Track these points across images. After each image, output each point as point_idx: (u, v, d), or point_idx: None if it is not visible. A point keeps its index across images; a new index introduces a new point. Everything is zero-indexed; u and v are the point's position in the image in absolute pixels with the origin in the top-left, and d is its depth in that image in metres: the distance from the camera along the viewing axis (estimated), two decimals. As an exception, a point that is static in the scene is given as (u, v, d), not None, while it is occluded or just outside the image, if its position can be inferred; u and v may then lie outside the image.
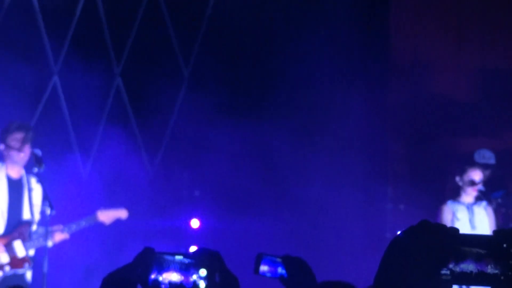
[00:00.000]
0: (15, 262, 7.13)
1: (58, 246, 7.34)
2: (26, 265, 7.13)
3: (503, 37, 10.19)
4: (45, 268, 6.97)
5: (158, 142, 9.68)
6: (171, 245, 9.11)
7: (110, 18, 9.35)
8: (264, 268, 2.88)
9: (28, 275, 7.24)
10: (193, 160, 9.70)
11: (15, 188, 7.22)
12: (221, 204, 9.64)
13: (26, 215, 7.24)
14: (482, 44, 10.22)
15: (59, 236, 7.26)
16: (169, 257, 2.50)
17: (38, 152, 7.17)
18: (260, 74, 10.02)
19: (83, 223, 7.40)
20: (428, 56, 10.25)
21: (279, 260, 2.87)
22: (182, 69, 9.86)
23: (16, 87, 8.70)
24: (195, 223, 9.63)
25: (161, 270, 2.49)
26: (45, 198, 7.12)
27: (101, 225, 7.58)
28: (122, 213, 7.69)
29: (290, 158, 9.73)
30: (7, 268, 7.10)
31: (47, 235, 7.03)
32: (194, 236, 9.60)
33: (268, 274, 2.88)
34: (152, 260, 2.49)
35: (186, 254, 2.51)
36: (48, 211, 7.00)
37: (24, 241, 7.13)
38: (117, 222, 7.68)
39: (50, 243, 7.22)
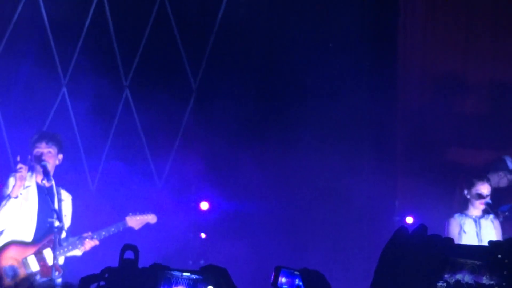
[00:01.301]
0: (45, 270, 7.11)
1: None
2: (56, 273, 7.04)
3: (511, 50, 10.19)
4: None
5: (166, 154, 9.68)
6: (177, 258, 9.12)
7: (119, 31, 9.39)
8: (282, 280, 2.91)
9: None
10: (201, 173, 9.70)
11: (45, 194, 7.21)
12: (228, 218, 9.64)
13: (56, 222, 7.17)
14: (490, 57, 10.22)
15: (89, 243, 7.27)
16: (177, 273, 2.51)
17: (46, 164, 7.17)
18: (269, 87, 10.02)
19: (113, 229, 7.42)
20: (436, 69, 10.25)
21: (297, 273, 2.90)
22: (191, 82, 9.88)
23: (25, 99, 8.73)
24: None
25: (169, 286, 2.49)
26: (54, 210, 7.10)
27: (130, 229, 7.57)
28: (151, 218, 7.72)
29: (301, 171, 9.72)
30: (37, 277, 7.09)
31: (55, 246, 6.99)
32: (199, 250, 9.60)
33: (285, 286, 2.91)
34: (160, 276, 2.49)
35: (194, 271, 2.52)
36: (56, 223, 6.98)
37: (53, 249, 7.10)
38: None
39: (80, 252, 7.23)
